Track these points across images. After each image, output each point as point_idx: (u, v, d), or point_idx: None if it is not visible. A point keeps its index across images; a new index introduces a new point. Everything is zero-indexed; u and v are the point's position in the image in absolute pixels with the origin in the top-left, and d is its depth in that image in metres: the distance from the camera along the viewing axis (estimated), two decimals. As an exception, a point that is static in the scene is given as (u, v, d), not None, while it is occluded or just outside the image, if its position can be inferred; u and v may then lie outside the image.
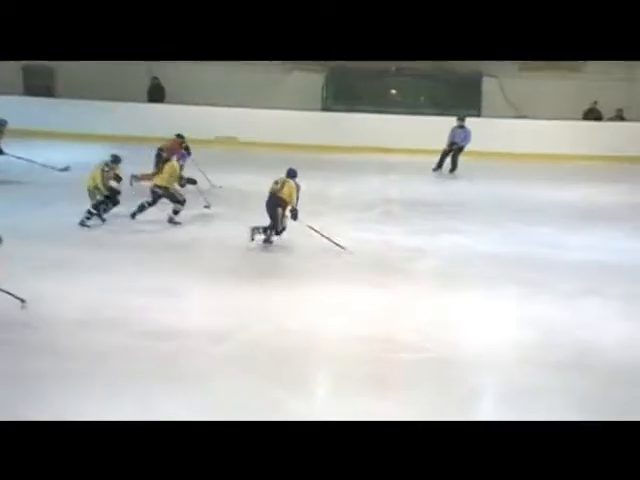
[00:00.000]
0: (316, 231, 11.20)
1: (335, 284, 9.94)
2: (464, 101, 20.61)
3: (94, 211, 12.07)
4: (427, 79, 20.50)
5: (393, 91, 21.32)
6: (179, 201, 12.45)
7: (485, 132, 17.95)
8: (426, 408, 6.79)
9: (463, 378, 7.42)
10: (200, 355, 7.79)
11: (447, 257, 11.18)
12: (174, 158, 12.89)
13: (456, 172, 17.73)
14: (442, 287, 9.90)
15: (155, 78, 21.01)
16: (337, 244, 11.09)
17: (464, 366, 7.68)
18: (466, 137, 17.75)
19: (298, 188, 11.24)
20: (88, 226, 11.93)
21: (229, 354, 7.84)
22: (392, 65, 20.80)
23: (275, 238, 11.38)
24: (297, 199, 11.23)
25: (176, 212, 12.47)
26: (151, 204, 12.41)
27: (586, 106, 20.26)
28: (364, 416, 6.38)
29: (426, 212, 13.57)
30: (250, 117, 19.19)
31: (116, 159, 12.32)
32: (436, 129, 19.12)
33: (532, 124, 19.43)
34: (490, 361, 7.84)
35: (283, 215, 11.15)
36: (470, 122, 18.28)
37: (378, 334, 8.36)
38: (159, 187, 12.42)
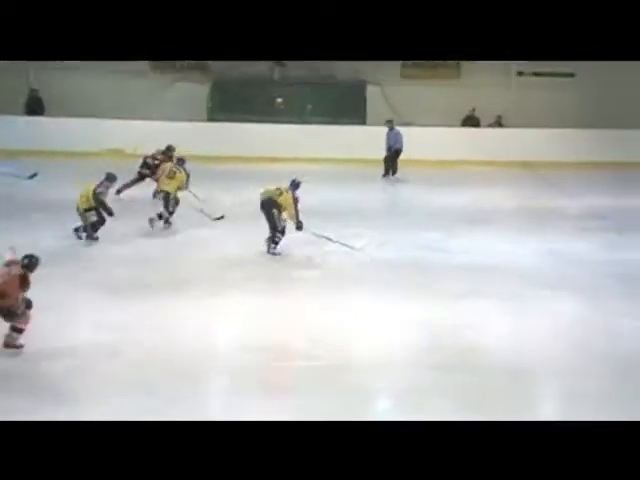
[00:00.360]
0: (324, 236, 11.70)
1: (226, 294, 9.92)
2: (349, 109, 20.86)
3: (82, 233, 11.83)
4: (312, 87, 20.64)
5: (279, 100, 21.37)
6: (168, 210, 12.65)
7: (371, 140, 18.21)
8: (320, 414, 6.83)
9: (355, 383, 7.50)
10: (91, 372, 7.64)
11: (336, 264, 11.32)
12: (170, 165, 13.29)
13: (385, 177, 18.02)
14: (330, 295, 9.98)
15: (33, 90, 20.40)
16: (349, 246, 11.62)
17: (356, 372, 7.78)
18: (397, 140, 17.95)
19: (296, 200, 11.55)
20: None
21: (121, 369, 7.71)
22: (276, 74, 20.87)
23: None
24: (297, 211, 11.51)
25: (160, 217, 12.60)
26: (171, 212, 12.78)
27: (466, 113, 20.82)
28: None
29: (315, 221, 13.58)
30: (135, 128, 18.90)
31: (111, 177, 12.26)
32: (323, 137, 19.36)
33: (419, 131, 19.79)
34: (381, 365, 7.95)
35: (279, 217, 11.39)
36: (356, 130, 18.55)
37: (270, 343, 8.38)
38: (162, 191, 12.84)
